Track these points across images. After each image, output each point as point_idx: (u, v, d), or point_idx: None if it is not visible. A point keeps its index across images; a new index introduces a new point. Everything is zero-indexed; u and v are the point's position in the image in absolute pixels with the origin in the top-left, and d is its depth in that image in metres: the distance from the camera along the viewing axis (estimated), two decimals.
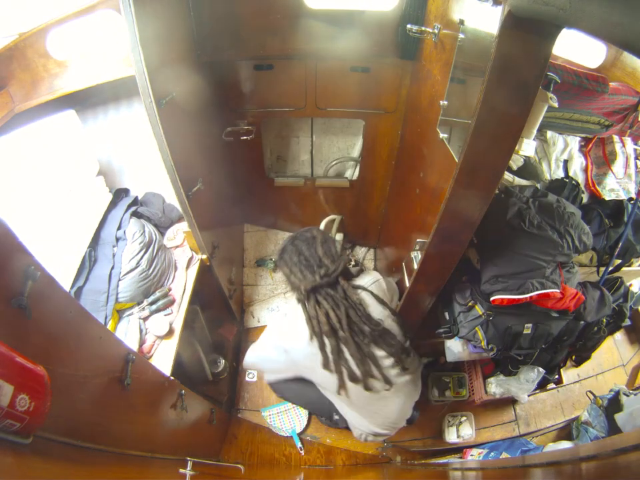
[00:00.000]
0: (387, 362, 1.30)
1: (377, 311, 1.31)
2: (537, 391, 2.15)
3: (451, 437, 2.08)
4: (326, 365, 1.24)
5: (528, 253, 1.37)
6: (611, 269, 1.71)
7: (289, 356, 1.32)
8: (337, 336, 1.23)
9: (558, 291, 1.37)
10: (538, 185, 1.63)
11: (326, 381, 1.31)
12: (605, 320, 1.73)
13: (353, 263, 2.51)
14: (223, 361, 2.07)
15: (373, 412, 1.41)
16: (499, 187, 1.56)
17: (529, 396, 2.16)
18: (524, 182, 1.64)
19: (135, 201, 1.76)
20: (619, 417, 1.81)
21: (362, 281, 1.36)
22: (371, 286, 1.35)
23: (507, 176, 1.63)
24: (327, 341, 1.23)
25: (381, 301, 1.33)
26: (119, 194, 1.75)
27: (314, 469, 1.88)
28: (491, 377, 1.99)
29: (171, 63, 1.29)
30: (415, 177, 1.57)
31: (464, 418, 2.11)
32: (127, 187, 1.83)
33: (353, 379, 1.25)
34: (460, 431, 2.09)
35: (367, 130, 1.94)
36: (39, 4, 1.26)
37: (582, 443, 1.95)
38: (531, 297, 1.35)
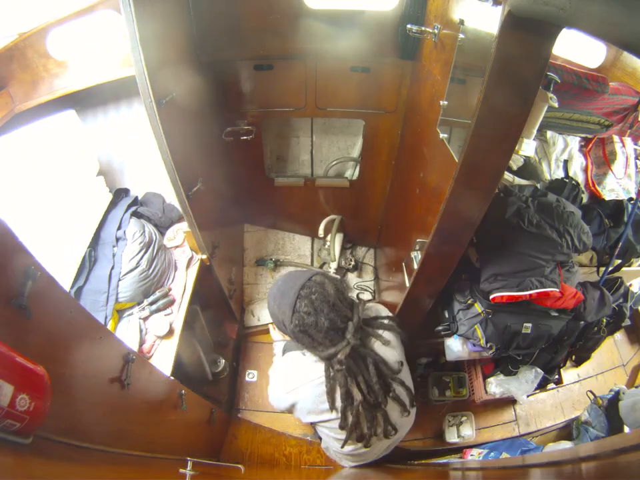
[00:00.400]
0: (395, 414, 1.15)
1: (396, 350, 1.17)
2: (537, 391, 2.15)
3: (451, 437, 2.08)
4: (343, 427, 1.08)
5: (527, 252, 1.37)
6: (611, 269, 1.71)
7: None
8: (368, 403, 1.06)
9: (557, 290, 1.37)
10: (538, 185, 1.63)
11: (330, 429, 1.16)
12: (604, 320, 1.72)
13: (353, 263, 2.51)
14: (223, 361, 2.07)
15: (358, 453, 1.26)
16: (499, 186, 1.56)
17: (528, 396, 2.16)
18: (524, 182, 1.64)
19: (135, 201, 1.76)
20: (622, 405, 1.81)
21: (375, 313, 1.21)
22: (387, 321, 1.19)
23: (507, 176, 1.63)
24: (350, 408, 1.05)
25: (402, 337, 1.18)
26: (119, 194, 1.75)
27: (314, 469, 1.88)
28: (490, 376, 2.00)
29: (170, 63, 1.29)
30: (415, 177, 1.57)
31: (464, 418, 2.11)
32: (127, 187, 1.84)
33: (359, 439, 1.11)
34: (460, 431, 2.09)
35: (367, 130, 1.94)
36: (39, 4, 1.26)
37: (582, 442, 1.95)
38: (530, 295, 1.35)
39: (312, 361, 1.13)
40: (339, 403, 1.07)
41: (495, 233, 1.40)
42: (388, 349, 1.15)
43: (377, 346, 1.14)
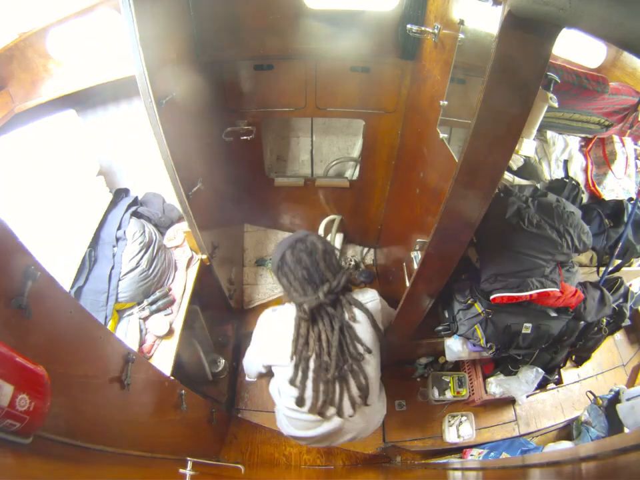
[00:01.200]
0: (353, 392, 1.23)
1: (366, 334, 1.25)
2: (537, 391, 2.15)
3: (451, 437, 2.08)
4: (292, 382, 1.20)
5: (527, 252, 1.37)
6: (611, 269, 1.71)
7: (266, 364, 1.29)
8: (320, 360, 1.18)
9: (557, 290, 1.37)
10: (538, 185, 1.63)
11: (286, 386, 1.25)
12: (604, 320, 1.72)
13: (352, 263, 2.51)
14: (223, 361, 2.07)
15: (306, 426, 1.32)
16: (499, 186, 1.56)
17: (528, 397, 2.16)
18: (524, 182, 1.64)
19: (135, 201, 1.76)
20: (620, 408, 1.81)
21: (361, 297, 1.30)
22: (369, 304, 1.30)
23: (507, 176, 1.63)
24: (304, 363, 1.18)
25: (373, 323, 1.28)
26: (119, 194, 1.75)
27: (314, 469, 1.88)
28: (490, 376, 2.00)
29: (171, 63, 1.29)
30: (414, 177, 1.57)
31: (464, 418, 2.11)
32: (127, 187, 1.83)
33: (314, 402, 1.20)
34: (460, 431, 2.09)
35: (367, 130, 1.94)
36: (39, 4, 1.26)
37: (582, 442, 1.95)
38: (530, 296, 1.35)
39: (283, 313, 1.28)
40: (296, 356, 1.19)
41: (495, 233, 1.40)
42: (359, 326, 1.25)
43: (348, 319, 1.24)
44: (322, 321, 1.19)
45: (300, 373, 1.19)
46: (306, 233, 1.30)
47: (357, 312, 1.25)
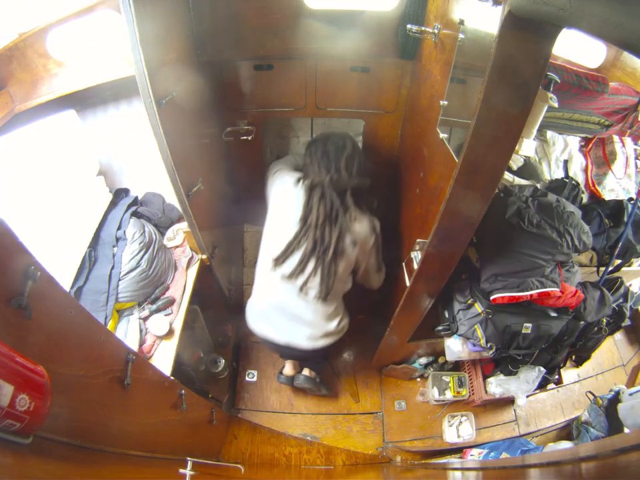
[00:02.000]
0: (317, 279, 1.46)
1: (358, 235, 1.48)
2: (537, 391, 2.15)
3: (451, 437, 2.08)
4: (290, 244, 1.44)
5: (527, 252, 1.37)
6: (611, 268, 1.71)
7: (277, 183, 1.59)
8: (315, 229, 1.40)
9: (558, 289, 1.37)
10: (538, 185, 1.63)
11: (277, 238, 1.50)
12: (605, 320, 1.73)
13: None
14: (222, 361, 2.07)
15: (269, 288, 1.56)
16: (499, 186, 1.56)
17: (528, 396, 2.16)
18: (524, 182, 1.64)
19: (135, 201, 1.76)
20: (621, 407, 1.81)
21: (363, 221, 1.50)
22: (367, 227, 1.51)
23: (507, 176, 1.63)
24: (305, 230, 1.42)
25: (356, 243, 1.48)
26: (119, 194, 1.75)
27: (314, 468, 1.88)
28: (490, 376, 2.00)
29: (170, 63, 1.29)
30: (415, 177, 1.57)
31: (464, 418, 2.11)
32: (127, 186, 1.83)
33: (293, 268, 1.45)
34: (460, 431, 2.09)
35: (367, 130, 1.94)
36: (39, 4, 1.26)
37: (582, 442, 1.95)
38: (531, 295, 1.35)
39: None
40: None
41: (495, 233, 1.40)
42: (356, 225, 1.48)
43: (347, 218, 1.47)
44: (323, 202, 1.41)
45: (298, 237, 1.43)
46: (348, 134, 1.57)
47: (360, 217, 1.48)
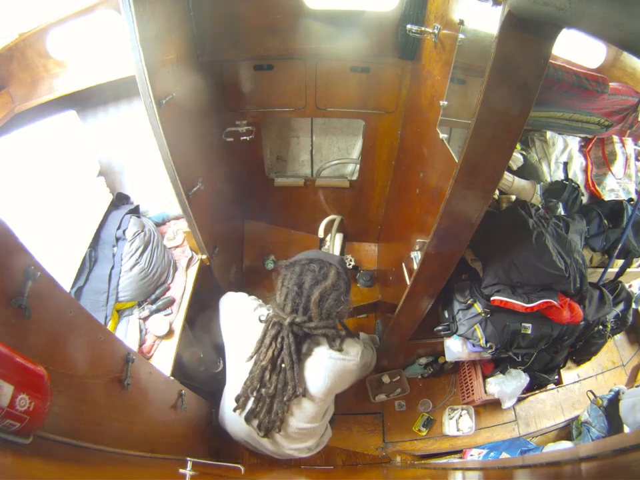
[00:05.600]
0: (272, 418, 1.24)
1: (320, 380, 1.23)
2: (537, 391, 2.15)
3: (451, 430, 2.08)
4: (245, 384, 1.24)
5: (533, 275, 1.39)
6: (611, 269, 1.72)
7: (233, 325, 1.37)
8: (264, 371, 1.19)
9: (557, 302, 1.39)
10: (561, 209, 1.67)
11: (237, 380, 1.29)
12: (609, 326, 1.73)
13: (353, 263, 2.51)
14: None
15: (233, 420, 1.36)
16: (516, 200, 1.59)
17: (527, 397, 2.16)
18: (524, 182, 1.64)
19: (136, 209, 1.76)
20: (622, 405, 1.81)
21: (343, 352, 1.24)
22: (347, 362, 1.25)
23: (507, 176, 1.63)
24: (259, 371, 1.21)
25: (328, 378, 1.23)
26: (120, 199, 1.75)
27: (314, 468, 1.88)
28: (490, 376, 2.00)
29: (170, 63, 1.29)
30: (414, 177, 1.57)
31: (464, 411, 2.12)
32: (127, 187, 1.83)
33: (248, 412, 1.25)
34: (459, 424, 2.09)
35: (367, 130, 1.94)
36: (39, 4, 1.26)
37: (582, 443, 1.95)
38: (532, 308, 1.37)
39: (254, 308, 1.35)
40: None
41: (505, 247, 1.42)
42: (318, 366, 1.22)
43: (316, 351, 1.24)
44: (281, 343, 1.19)
45: (251, 381, 1.22)
46: (336, 259, 1.30)
47: (326, 357, 1.22)
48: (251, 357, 1.23)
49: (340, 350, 1.23)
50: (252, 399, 1.24)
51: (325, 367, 1.23)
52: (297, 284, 1.22)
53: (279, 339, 1.19)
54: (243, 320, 1.35)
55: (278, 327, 1.20)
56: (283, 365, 1.19)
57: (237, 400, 1.27)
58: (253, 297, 1.46)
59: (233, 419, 1.36)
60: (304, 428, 1.30)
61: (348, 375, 1.28)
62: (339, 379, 1.26)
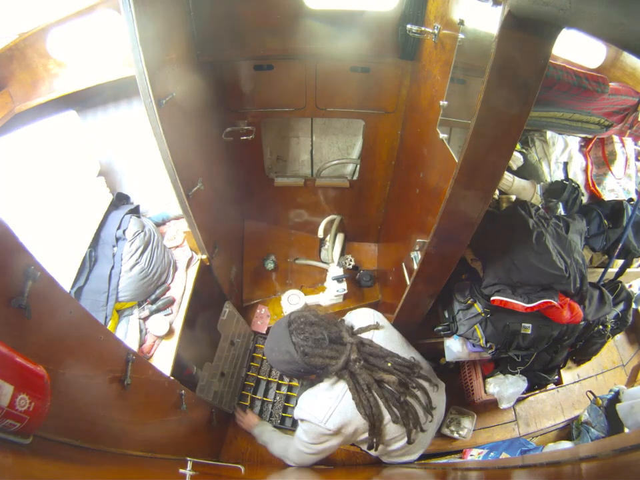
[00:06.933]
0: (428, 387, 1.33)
1: (395, 345, 1.35)
2: (537, 391, 2.15)
3: (448, 429, 2.09)
4: (396, 420, 1.21)
5: (533, 275, 1.39)
6: (611, 269, 1.71)
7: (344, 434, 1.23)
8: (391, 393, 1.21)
9: (556, 302, 1.39)
10: (561, 209, 1.66)
11: (392, 435, 1.27)
12: (609, 326, 1.73)
13: (353, 263, 2.51)
14: None
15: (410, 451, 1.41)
16: (516, 201, 1.60)
17: (526, 397, 2.16)
18: (524, 182, 1.64)
19: (137, 209, 1.76)
20: (620, 407, 1.81)
21: (363, 323, 1.36)
22: (374, 330, 1.36)
23: (507, 176, 1.63)
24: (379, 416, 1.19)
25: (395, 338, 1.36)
26: (120, 198, 1.75)
27: (314, 468, 1.88)
28: (490, 376, 2.00)
29: (170, 63, 1.29)
30: (414, 177, 1.57)
31: (467, 417, 2.12)
32: (127, 187, 1.83)
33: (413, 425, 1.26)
34: (458, 427, 2.09)
35: (367, 130, 1.94)
36: (39, 4, 1.26)
37: (582, 443, 1.95)
38: (532, 308, 1.37)
39: (329, 385, 1.23)
40: (368, 410, 1.17)
41: (505, 247, 1.42)
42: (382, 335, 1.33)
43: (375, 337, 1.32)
44: (360, 372, 1.18)
45: (396, 410, 1.22)
46: (282, 320, 1.25)
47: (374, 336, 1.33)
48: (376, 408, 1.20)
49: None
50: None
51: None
52: (321, 334, 1.20)
53: (362, 371, 1.20)
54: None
55: (347, 370, 1.19)
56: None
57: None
58: (313, 436, 1.24)
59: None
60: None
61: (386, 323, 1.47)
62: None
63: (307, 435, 1.21)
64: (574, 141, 1.82)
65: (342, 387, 1.20)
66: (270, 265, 2.47)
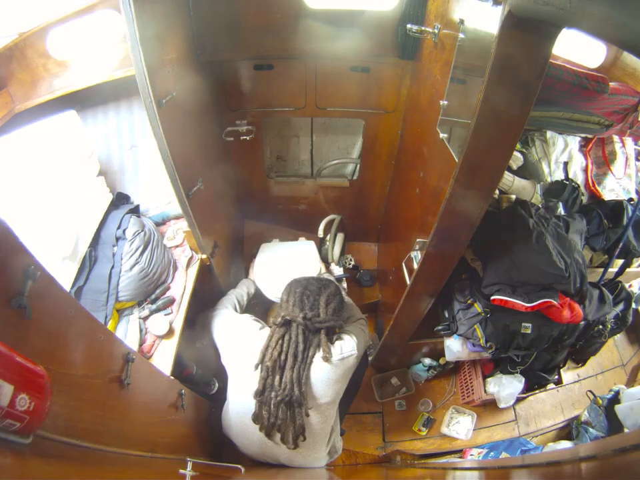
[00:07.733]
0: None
1: (325, 385, 1.25)
2: (537, 391, 2.15)
3: (451, 432, 2.09)
4: (257, 395, 1.23)
5: (533, 274, 1.39)
6: (611, 269, 1.72)
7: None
8: (268, 375, 1.21)
9: (556, 302, 1.39)
10: (561, 208, 1.66)
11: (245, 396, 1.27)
12: (609, 326, 1.73)
13: (353, 263, 2.51)
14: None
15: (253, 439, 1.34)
16: (516, 200, 1.60)
17: (526, 397, 2.16)
18: (524, 182, 1.64)
19: (136, 209, 1.75)
20: (619, 408, 1.81)
21: (337, 349, 1.28)
22: (347, 358, 1.28)
23: (507, 175, 1.63)
24: (271, 377, 1.22)
25: (334, 382, 1.26)
26: (120, 198, 1.75)
27: (314, 469, 1.88)
28: (490, 376, 2.00)
29: (170, 63, 1.29)
30: (414, 177, 1.57)
31: (468, 416, 2.12)
32: (127, 187, 1.83)
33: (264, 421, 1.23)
34: (458, 425, 2.10)
35: (367, 130, 1.94)
36: (39, 4, 1.26)
37: (582, 443, 1.95)
38: (532, 307, 1.37)
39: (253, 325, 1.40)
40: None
41: (505, 247, 1.42)
42: (322, 372, 1.25)
43: (316, 359, 1.25)
44: (289, 341, 1.24)
45: (265, 389, 1.22)
46: (331, 281, 1.47)
47: (334, 356, 1.26)
48: (258, 365, 1.24)
49: (340, 347, 1.29)
50: (265, 410, 1.22)
51: (329, 373, 1.25)
52: (302, 293, 1.35)
53: (286, 338, 1.26)
54: (248, 341, 1.34)
55: (286, 326, 1.28)
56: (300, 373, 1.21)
57: (254, 420, 1.24)
58: (253, 317, 1.47)
59: (241, 431, 1.35)
60: (322, 429, 1.31)
61: (349, 370, 1.31)
62: (343, 379, 1.30)
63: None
64: (574, 140, 1.82)
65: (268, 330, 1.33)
66: None
